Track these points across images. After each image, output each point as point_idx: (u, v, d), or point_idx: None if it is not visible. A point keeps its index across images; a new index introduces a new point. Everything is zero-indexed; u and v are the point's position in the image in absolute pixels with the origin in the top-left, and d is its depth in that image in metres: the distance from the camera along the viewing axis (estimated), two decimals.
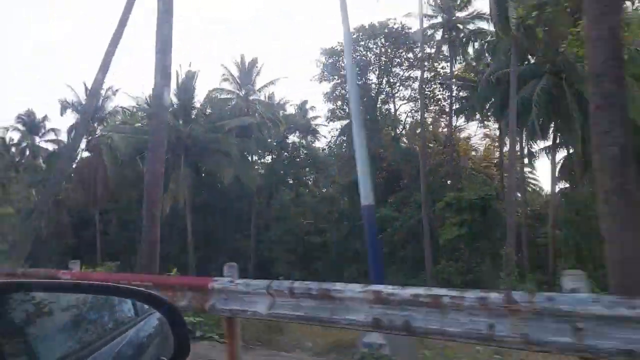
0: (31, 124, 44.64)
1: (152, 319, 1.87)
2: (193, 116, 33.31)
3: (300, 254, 37.74)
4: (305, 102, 45.36)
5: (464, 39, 31.94)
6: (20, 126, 44.39)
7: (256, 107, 36.24)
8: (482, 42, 27.30)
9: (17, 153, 44.23)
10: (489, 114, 26.91)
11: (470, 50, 30.76)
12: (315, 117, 45.06)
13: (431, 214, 27.39)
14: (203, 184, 33.23)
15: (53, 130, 45.25)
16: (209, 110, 34.93)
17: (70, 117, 35.40)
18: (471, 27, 31.64)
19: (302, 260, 37.76)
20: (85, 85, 35.26)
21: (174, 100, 32.83)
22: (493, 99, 27.92)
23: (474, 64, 30.68)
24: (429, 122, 40.85)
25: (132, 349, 1.82)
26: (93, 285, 1.80)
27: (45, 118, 45.13)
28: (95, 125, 34.49)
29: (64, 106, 34.37)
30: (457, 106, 33.67)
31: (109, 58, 15.36)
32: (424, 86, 38.88)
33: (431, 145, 39.38)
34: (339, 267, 34.18)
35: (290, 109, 44.38)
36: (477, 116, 32.54)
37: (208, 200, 34.04)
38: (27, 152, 44.35)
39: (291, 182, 41.74)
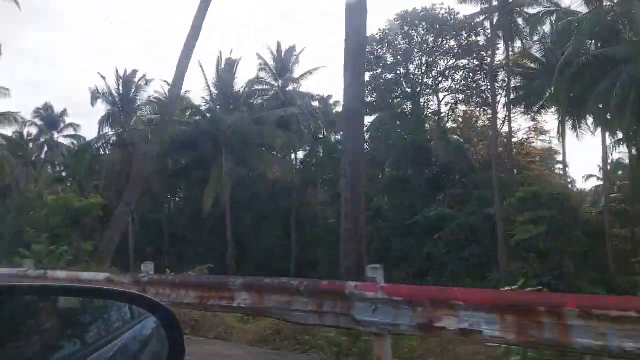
0: (49, 119, 42.41)
1: (149, 322, 1.77)
2: (232, 106, 31.03)
3: (338, 254, 35.70)
4: (329, 96, 43.29)
5: (523, 24, 29.73)
6: (38, 121, 42.16)
7: (295, 98, 34.02)
8: (561, 22, 24.63)
9: (35, 149, 41.97)
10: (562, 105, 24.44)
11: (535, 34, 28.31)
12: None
13: (502, 211, 25.28)
14: (243, 179, 30.98)
15: (72, 125, 43.20)
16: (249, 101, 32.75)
17: (101, 108, 33.23)
18: (531, 10, 29.42)
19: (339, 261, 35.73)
20: (117, 71, 33.19)
21: (213, 90, 30.70)
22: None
23: (542, 46, 28.21)
24: (462, 115, 39.14)
25: (129, 351, 1.83)
26: (86, 288, 1.92)
27: (64, 112, 43.08)
28: (125, 118, 32.28)
29: (95, 96, 32.09)
30: (512, 97, 31.34)
31: (192, 43, 13.67)
32: (468, 76, 36.93)
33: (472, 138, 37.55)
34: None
35: (314, 103, 42.28)
36: (535, 107, 30.37)
37: (247, 196, 31.84)
38: (46, 148, 42.13)
39: (328, 178, 39.56)
